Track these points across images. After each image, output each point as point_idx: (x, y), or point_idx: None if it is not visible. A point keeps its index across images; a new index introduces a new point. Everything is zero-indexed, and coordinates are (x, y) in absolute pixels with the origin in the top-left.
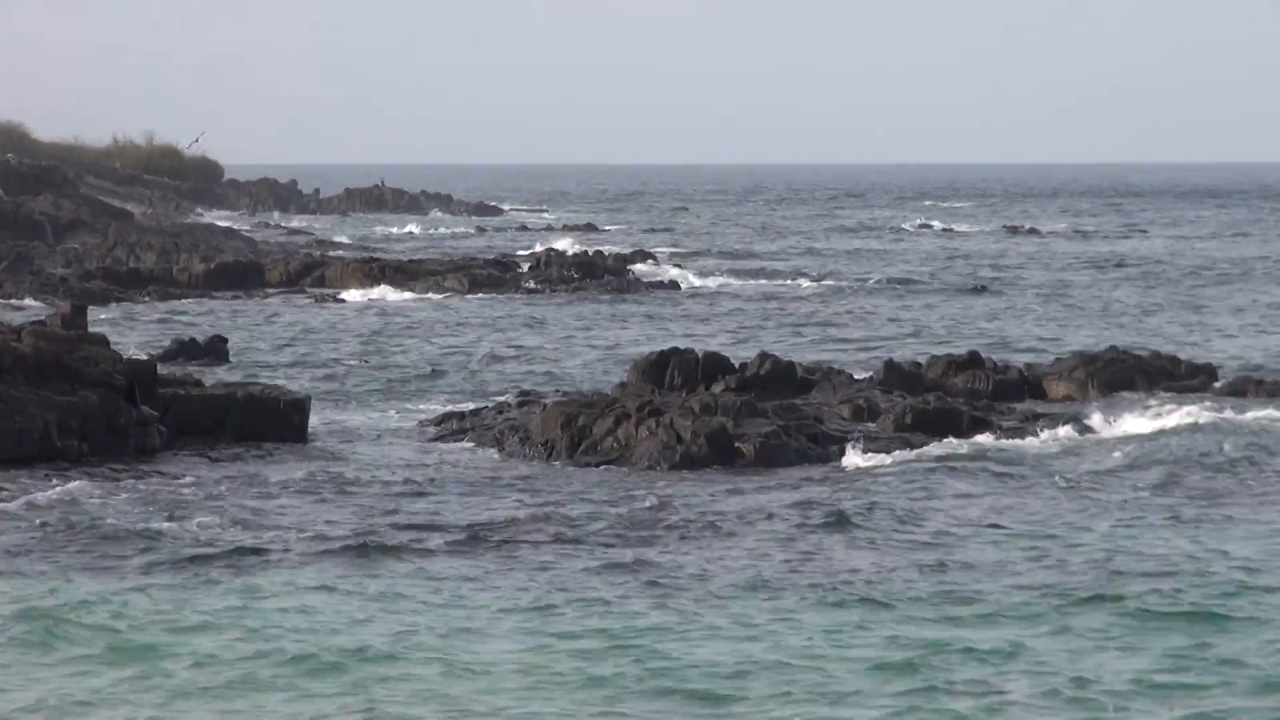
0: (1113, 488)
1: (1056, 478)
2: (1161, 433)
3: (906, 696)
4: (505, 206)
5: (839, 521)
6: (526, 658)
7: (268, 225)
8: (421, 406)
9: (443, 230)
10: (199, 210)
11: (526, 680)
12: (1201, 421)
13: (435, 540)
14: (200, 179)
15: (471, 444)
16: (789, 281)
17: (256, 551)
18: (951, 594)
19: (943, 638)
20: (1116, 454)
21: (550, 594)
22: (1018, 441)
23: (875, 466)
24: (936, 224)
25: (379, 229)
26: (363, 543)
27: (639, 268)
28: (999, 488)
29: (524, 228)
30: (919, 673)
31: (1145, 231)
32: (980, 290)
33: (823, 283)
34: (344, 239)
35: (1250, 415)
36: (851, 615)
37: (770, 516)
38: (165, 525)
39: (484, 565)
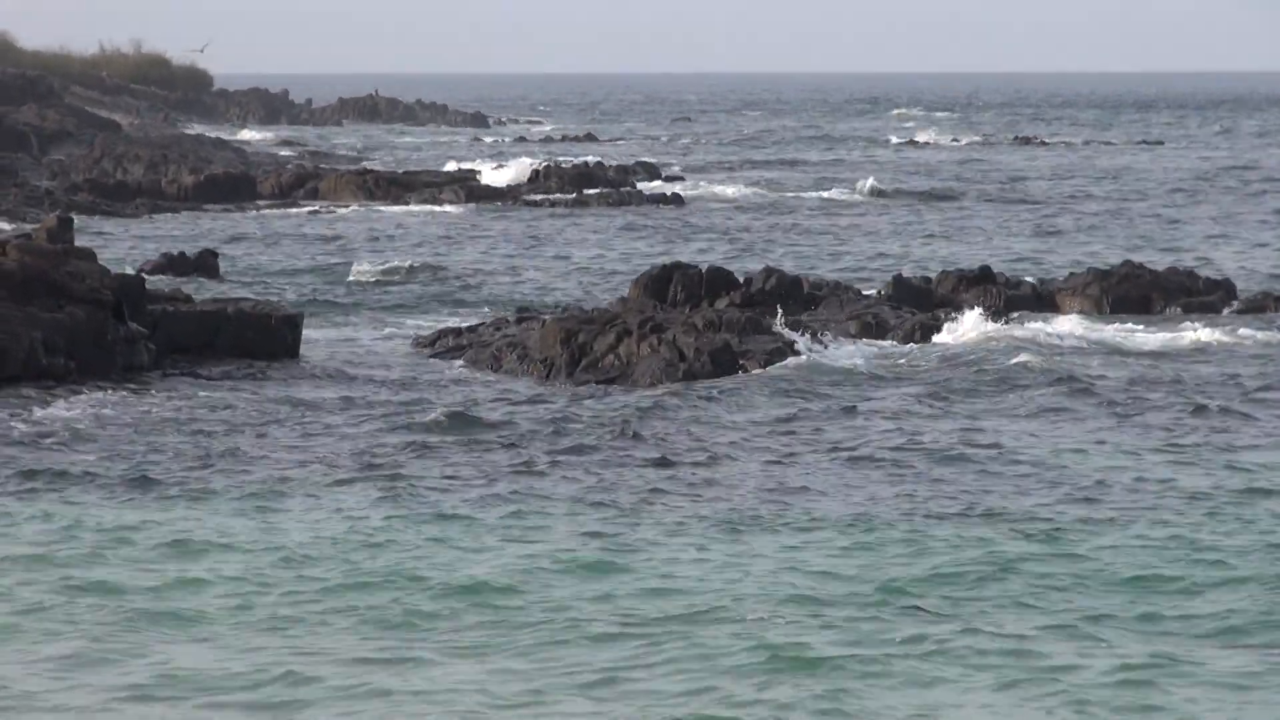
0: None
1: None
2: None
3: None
4: (503, 116)
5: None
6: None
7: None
8: (418, 322)
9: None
10: (190, 121)
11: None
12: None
13: (424, 464)
14: (189, 89)
15: (468, 362)
16: (813, 194)
17: (249, 474)
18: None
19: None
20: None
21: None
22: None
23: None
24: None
25: (406, 139)
26: (361, 467)
27: (641, 182)
28: (990, 408)
29: (522, 139)
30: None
31: (1161, 143)
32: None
33: (827, 193)
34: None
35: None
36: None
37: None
38: (148, 448)
39: (470, 491)
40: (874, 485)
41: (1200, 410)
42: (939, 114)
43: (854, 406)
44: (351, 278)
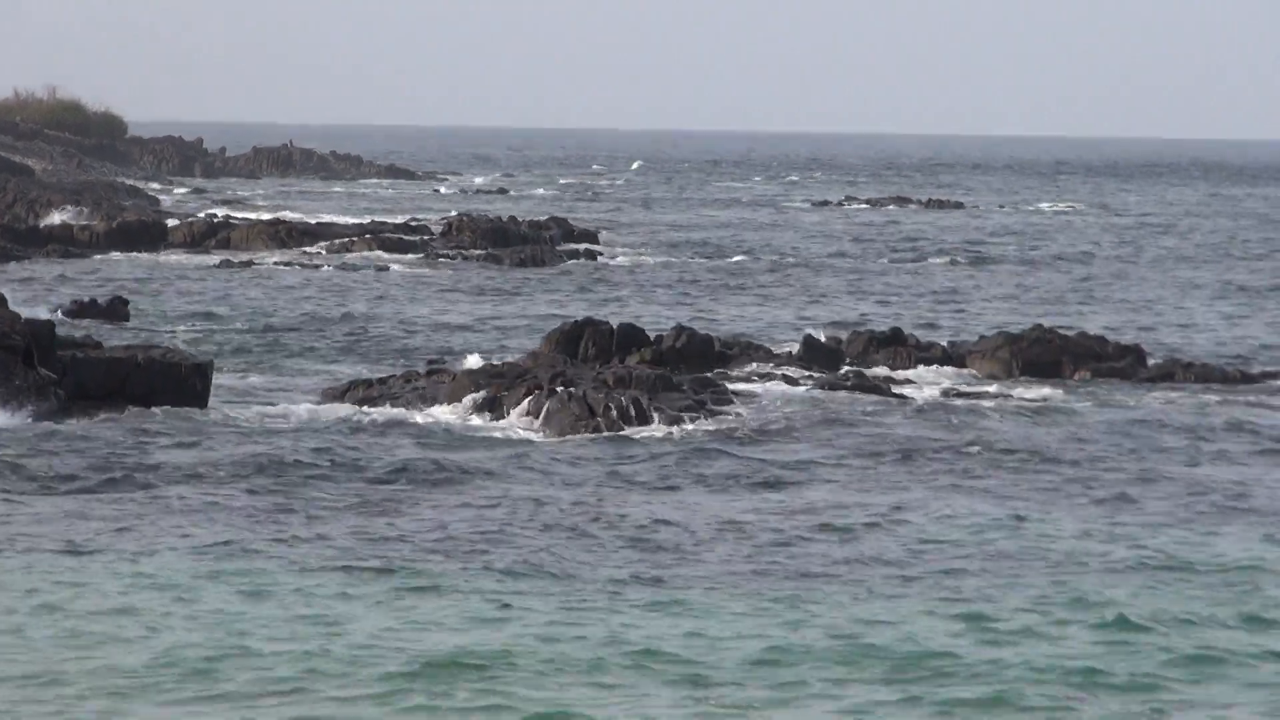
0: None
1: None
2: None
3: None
4: (418, 169)
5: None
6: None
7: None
8: (327, 372)
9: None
10: (107, 168)
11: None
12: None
13: (324, 523)
14: (104, 135)
15: (378, 414)
16: (727, 259)
17: (138, 529)
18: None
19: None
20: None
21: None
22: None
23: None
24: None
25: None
26: (250, 526)
27: (554, 237)
28: (892, 472)
29: (436, 192)
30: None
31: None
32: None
33: (748, 257)
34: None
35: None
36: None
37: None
38: (48, 495)
39: (373, 546)
40: (762, 552)
41: (1089, 480)
42: (828, 176)
43: (761, 468)
44: (263, 326)
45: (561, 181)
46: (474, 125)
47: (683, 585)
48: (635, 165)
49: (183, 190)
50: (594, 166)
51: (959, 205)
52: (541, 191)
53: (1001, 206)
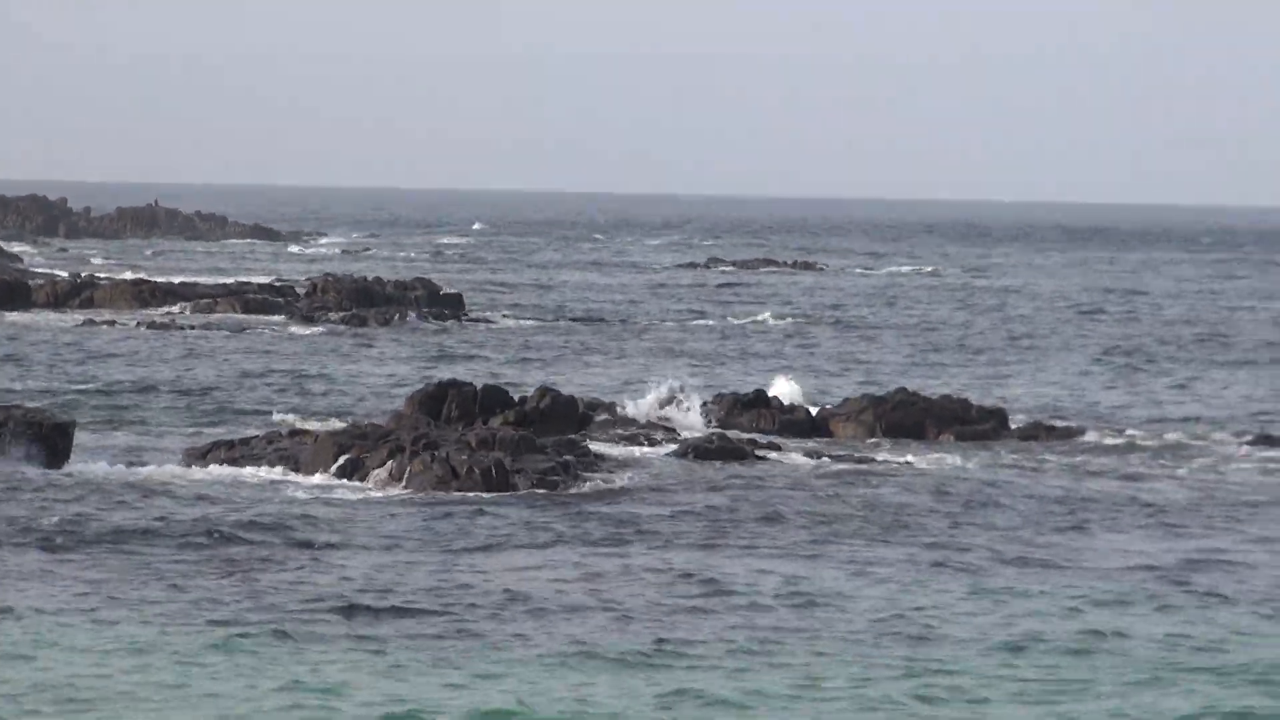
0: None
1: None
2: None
3: None
4: (282, 229)
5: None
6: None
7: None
8: (191, 432)
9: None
10: None
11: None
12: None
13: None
14: None
15: (239, 475)
16: (593, 320)
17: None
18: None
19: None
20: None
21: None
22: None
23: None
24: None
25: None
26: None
27: (418, 295)
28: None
29: (301, 252)
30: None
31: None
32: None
33: (615, 319)
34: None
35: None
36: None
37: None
38: None
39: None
40: (604, 614)
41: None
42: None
43: (618, 530)
44: (127, 386)
45: (418, 240)
46: (348, 186)
47: (535, 649)
48: (476, 226)
49: (46, 249)
50: (446, 228)
51: (821, 268)
52: (408, 254)
53: (869, 269)
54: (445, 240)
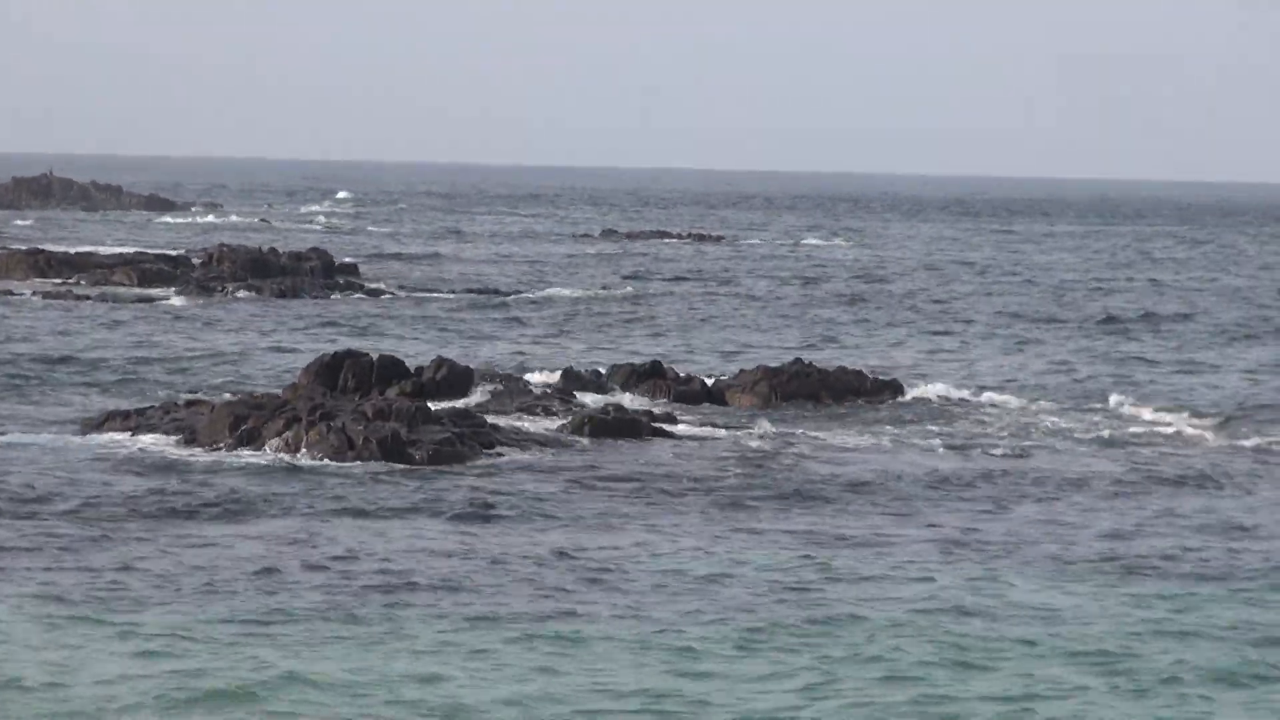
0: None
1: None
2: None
3: None
4: (178, 199)
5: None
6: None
7: None
8: (85, 403)
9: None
10: None
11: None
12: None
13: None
14: None
15: (135, 444)
16: (488, 292)
17: None
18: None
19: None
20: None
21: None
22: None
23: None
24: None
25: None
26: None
27: (314, 266)
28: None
29: (195, 222)
30: None
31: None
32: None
33: (511, 291)
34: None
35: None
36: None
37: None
38: None
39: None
40: (516, 585)
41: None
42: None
43: (512, 499)
44: (20, 356)
45: (284, 209)
46: (241, 156)
47: (416, 618)
48: (341, 195)
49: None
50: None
51: (719, 238)
52: (306, 223)
53: (778, 242)
54: (313, 208)
